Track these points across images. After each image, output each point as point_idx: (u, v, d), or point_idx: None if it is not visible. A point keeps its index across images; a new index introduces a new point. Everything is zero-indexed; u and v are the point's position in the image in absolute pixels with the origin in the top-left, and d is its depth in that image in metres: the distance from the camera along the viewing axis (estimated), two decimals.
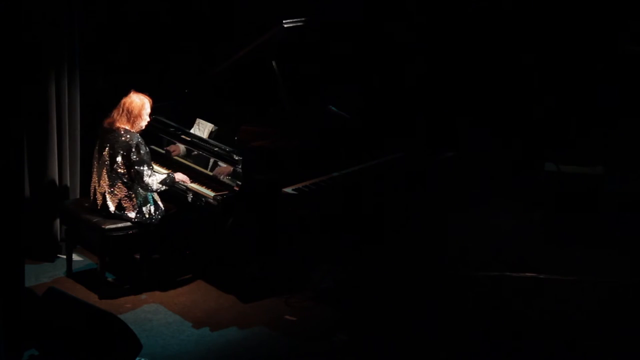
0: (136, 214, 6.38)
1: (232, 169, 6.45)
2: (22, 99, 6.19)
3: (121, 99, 6.38)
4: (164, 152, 6.88)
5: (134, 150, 6.29)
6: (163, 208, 6.50)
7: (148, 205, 6.41)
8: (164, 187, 6.40)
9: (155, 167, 6.57)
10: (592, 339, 6.06)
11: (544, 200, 7.68)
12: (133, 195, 6.38)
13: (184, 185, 6.53)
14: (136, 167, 6.30)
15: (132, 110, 6.32)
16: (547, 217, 7.62)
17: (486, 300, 6.53)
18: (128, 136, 6.31)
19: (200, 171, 6.67)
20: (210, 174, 6.60)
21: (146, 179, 6.32)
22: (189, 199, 6.49)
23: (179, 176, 6.55)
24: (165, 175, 6.43)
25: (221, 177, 6.53)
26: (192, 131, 6.80)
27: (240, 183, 6.35)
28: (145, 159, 6.34)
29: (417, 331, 6.11)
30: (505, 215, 7.91)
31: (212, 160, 6.61)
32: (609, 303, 6.54)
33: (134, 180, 6.34)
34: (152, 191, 6.40)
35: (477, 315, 6.32)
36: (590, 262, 7.12)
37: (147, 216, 6.40)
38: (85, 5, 6.91)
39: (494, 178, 8.31)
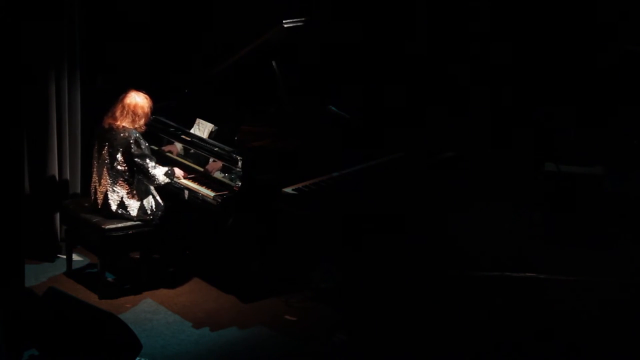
0: (138, 211, 6.39)
1: (221, 164, 6.46)
2: (22, 99, 6.19)
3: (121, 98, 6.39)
4: (157, 149, 6.88)
5: (133, 145, 6.30)
6: (163, 204, 6.51)
7: (149, 202, 6.42)
8: (167, 180, 6.42)
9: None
10: (592, 339, 6.06)
11: (544, 200, 7.68)
12: (134, 192, 6.39)
13: (180, 183, 6.55)
14: (139, 161, 6.31)
15: (137, 111, 6.34)
16: (547, 217, 7.62)
17: (486, 301, 6.53)
18: (126, 133, 6.32)
19: (200, 170, 6.67)
20: (202, 169, 6.62)
21: (152, 170, 6.34)
22: (186, 197, 6.50)
23: (177, 171, 6.58)
24: (167, 168, 6.46)
25: (213, 173, 6.54)
26: (192, 131, 6.81)
27: (240, 183, 6.35)
28: (147, 153, 6.36)
29: (417, 331, 6.12)
30: (505, 215, 7.91)
31: (211, 160, 6.61)
32: (609, 303, 6.54)
33: (139, 175, 6.34)
34: (158, 184, 6.40)
35: (477, 316, 6.32)
36: (590, 262, 7.12)
37: (148, 212, 6.41)
38: (86, 4, 6.91)
39: (494, 178, 8.31)
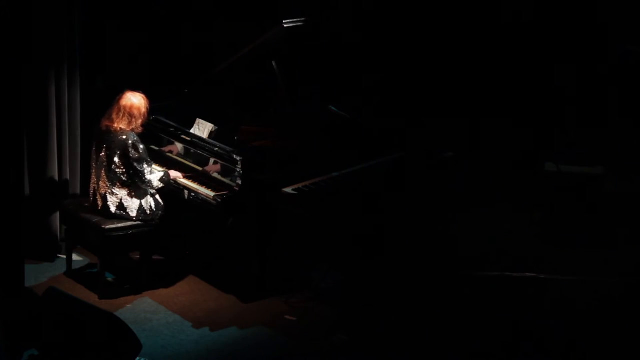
0: (137, 212, 6.38)
1: (221, 164, 6.46)
2: (22, 99, 6.20)
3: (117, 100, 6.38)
4: (158, 149, 6.88)
5: (131, 148, 6.30)
6: (163, 204, 6.51)
7: (149, 202, 6.42)
8: (162, 185, 6.43)
9: (154, 166, 6.58)
10: (592, 339, 6.06)
11: (544, 200, 7.68)
12: (133, 194, 6.39)
13: (179, 183, 6.55)
14: (136, 166, 6.31)
15: (133, 113, 6.33)
16: (547, 217, 7.62)
17: (486, 300, 6.53)
18: (124, 136, 6.31)
19: (200, 170, 6.67)
20: (200, 169, 6.62)
21: (147, 176, 6.34)
22: (185, 197, 6.51)
23: (173, 173, 6.58)
24: (162, 173, 6.46)
25: (213, 173, 6.55)
26: (192, 131, 6.81)
27: (240, 183, 6.35)
28: (144, 157, 6.35)
29: (417, 331, 6.12)
30: (505, 215, 7.91)
31: (212, 160, 6.61)
32: (609, 303, 6.54)
33: (135, 179, 6.35)
34: (153, 189, 6.42)
35: (477, 316, 6.32)
36: (590, 262, 7.12)
37: (148, 213, 6.41)
38: (85, 4, 6.91)
39: (494, 178, 8.31)
